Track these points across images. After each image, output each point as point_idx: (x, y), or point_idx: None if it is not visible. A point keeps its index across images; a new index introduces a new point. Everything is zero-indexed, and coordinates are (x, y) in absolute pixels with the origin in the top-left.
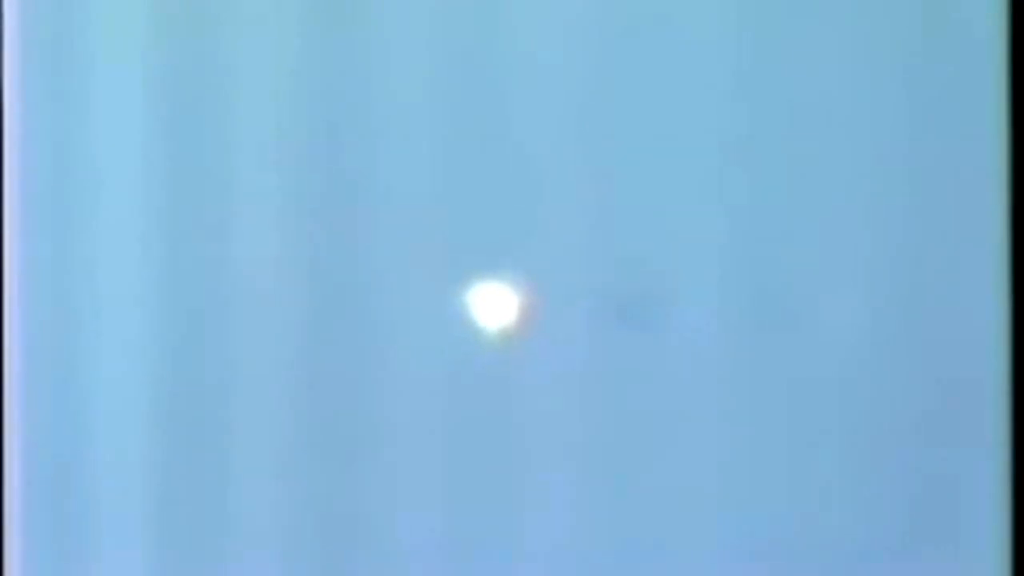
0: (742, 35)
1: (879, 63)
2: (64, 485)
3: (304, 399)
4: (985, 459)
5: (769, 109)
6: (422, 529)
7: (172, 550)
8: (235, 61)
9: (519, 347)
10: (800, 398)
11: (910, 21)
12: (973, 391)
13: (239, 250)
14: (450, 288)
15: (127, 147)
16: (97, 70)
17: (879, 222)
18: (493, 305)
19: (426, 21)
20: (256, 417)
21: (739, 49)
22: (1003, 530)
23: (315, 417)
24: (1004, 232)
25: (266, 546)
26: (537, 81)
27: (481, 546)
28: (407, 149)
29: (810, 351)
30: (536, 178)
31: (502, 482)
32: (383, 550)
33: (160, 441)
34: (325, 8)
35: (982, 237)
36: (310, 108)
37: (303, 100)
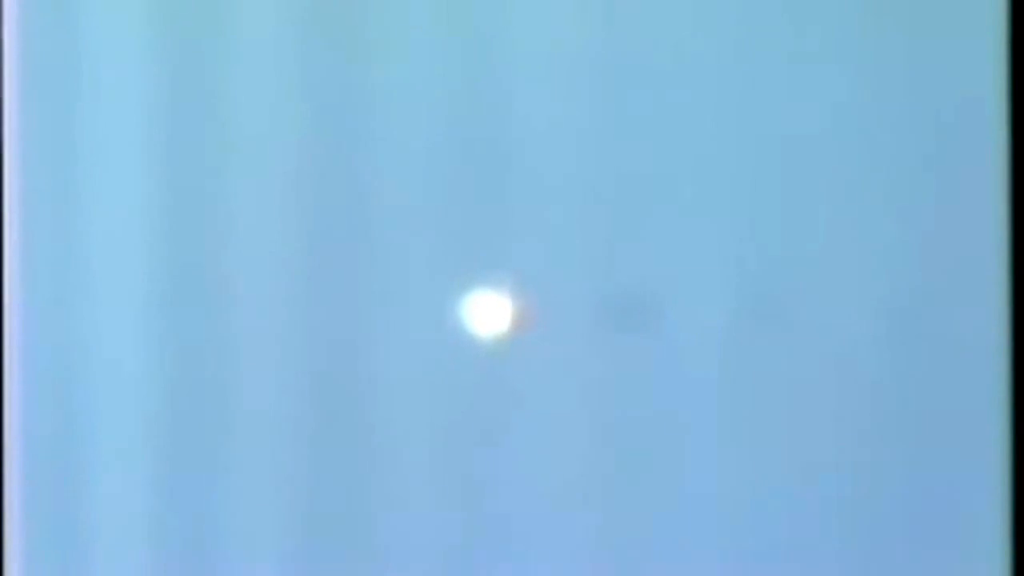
0: (742, 35)
1: (879, 63)
2: (64, 485)
3: (303, 399)
4: (985, 459)
5: (769, 110)
6: (419, 531)
7: (172, 550)
8: (235, 60)
9: (518, 350)
10: (800, 400)
11: (910, 21)
12: (973, 391)
13: (238, 250)
14: (448, 291)
15: (127, 146)
16: (97, 69)
17: (878, 223)
18: (491, 308)
19: (426, 21)
20: (255, 417)
21: (739, 49)
22: (1003, 530)
23: (314, 417)
24: (1004, 232)
25: (265, 546)
26: (536, 84)
27: (478, 547)
28: (405, 150)
29: (810, 352)
30: (534, 180)
31: (501, 484)
32: (382, 552)
33: (159, 442)
34: (325, 8)
35: (982, 237)
36: (309, 109)
37: (303, 100)
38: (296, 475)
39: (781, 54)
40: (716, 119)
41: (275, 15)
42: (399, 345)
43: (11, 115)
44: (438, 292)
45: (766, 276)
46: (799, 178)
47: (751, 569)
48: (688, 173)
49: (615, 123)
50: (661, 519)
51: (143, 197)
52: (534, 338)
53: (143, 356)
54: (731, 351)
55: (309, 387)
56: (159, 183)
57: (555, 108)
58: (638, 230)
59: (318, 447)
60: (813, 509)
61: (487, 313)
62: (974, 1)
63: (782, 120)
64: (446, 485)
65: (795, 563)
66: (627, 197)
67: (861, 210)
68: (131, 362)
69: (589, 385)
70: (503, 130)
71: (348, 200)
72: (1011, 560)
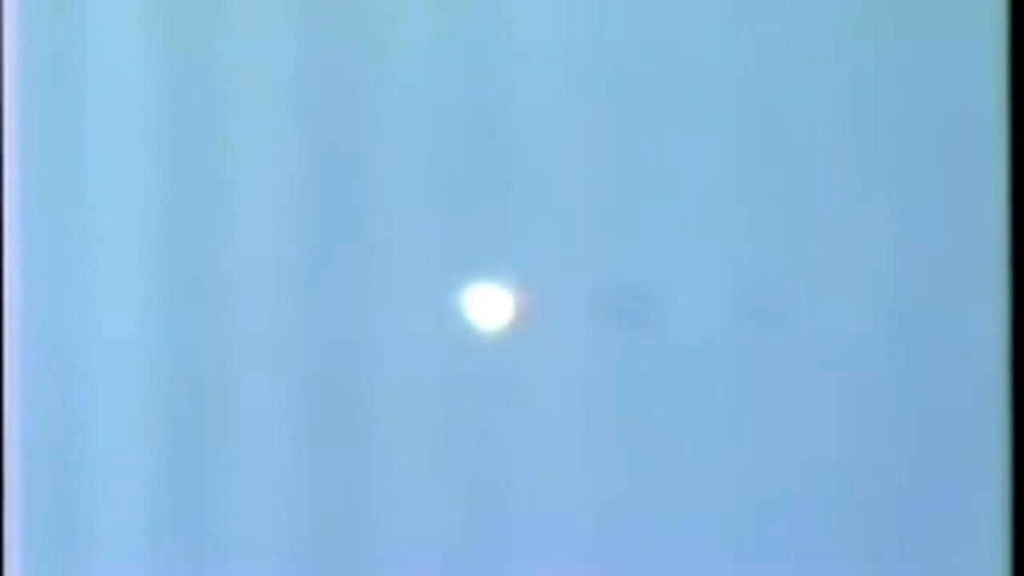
0: (743, 33)
1: (879, 64)
2: (64, 485)
3: (304, 400)
4: (985, 459)
5: (769, 111)
6: (419, 531)
7: (172, 550)
8: (234, 61)
9: (518, 349)
10: (800, 400)
11: (910, 21)
12: (973, 391)
13: (238, 251)
14: (449, 290)
15: (127, 146)
16: (97, 70)
17: (879, 223)
18: (492, 305)
19: (427, 22)
20: (255, 417)
21: (740, 48)
22: (1003, 530)
23: (314, 418)
24: (1004, 232)
25: (265, 545)
26: (538, 83)
27: (478, 547)
28: (405, 150)
29: (810, 352)
30: (535, 178)
31: (501, 483)
32: (382, 550)
33: (159, 442)
34: (325, 9)
35: (982, 237)
36: (310, 110)
37: (303, 101)
38: (296, 475)
39: (782, 54)
40: (716, 119)
41: (275, 16)
42: (399, 344)
43: (11, 115)
44: (439, 291)
45: (767, 277)
46: (800, 178)
47: (751, 569)
48: (689, 173)
49: (616, 123)
50: (661, 518)
51: (143, 197)
52: (534, 337)
53: (143, 356)
54: (732, 351)
55: (309, 387)
56: (159, 183)
57: (556, 107)
58: (639, 229)
59: (318, 447)
60: (813, 509)
61: (487, 312)
62: (974, 1)
63: (783, 120)
64: (446, 485)
65: (795, 563)
66: (628, 197)
67: (861, 210)
68: (131, 362)
69: (589, 384)
70: (503, 131)
71: (348, 200)
72: (1011, 560)
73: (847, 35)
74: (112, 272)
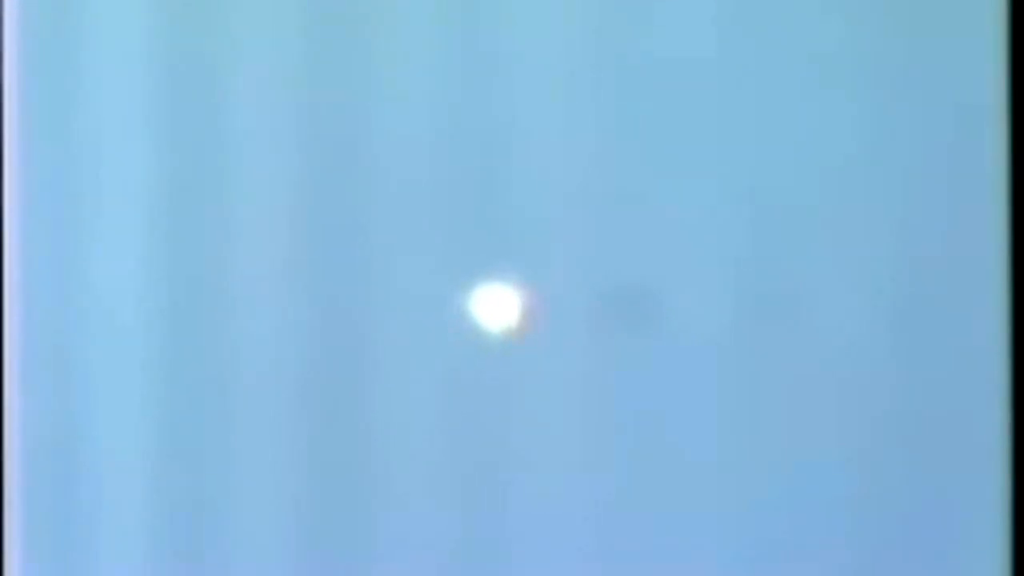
0: (742, 33)
1: (879, 65)
2: (64, 485)
3: (304, 401)
4: (985, 460)
5: (769, 111)
6: (418, 528)
7: (171, 549)
8: (235, 61)
9: (518, 347)
10: (800, 400)
11: (910, 22)
12: (973, 392)
13: (238, 251)
14: (448, 291)
15: (126, 147)
16: (97, 69)
17: (878, 225)
18: (493, 305)
19: (426, 21)
20: (255, 418)
21: (739, 48)
22: (1002, 532)
23: (315, 419)
24: (1004, 234)
25: (264, 546)
26: (538, 83)
27: (477, 545)
28: (407, 150)
29: (811, 353)
30: (536, 178)
31: (501, 484)
32: (382, 550)
33: (159, 442)
34: (325, 9)
35: (982, 239)
36: (311, 110)
37: (304, 101)
38: (296, 475)
39: (781, 53)
40: (717, 120)
41: (275, 16)
42: (399, 344)
43: (11, 114)
44: (438, 292)
45: (767, 277)
46: (799, 178)
47: (751, 569)
48: (689, 174)
49: (616, 123)
50: (662, 518)
51: (143, 197)
52: (534, 337)
53: (143, 355)
54: (732, 352)
55: (310, 387)
56: (160, 183)
57: (555, 107)
58: (640, 230)
59: (318, 447)
60: (814, 509)
61: (488, 312)
62: (974, 1)
63: (782, 120)
64: (446, 485)
65: (795, 563)
66: (629, 196)
67: (861, 210)
68: (131, 361)
69: (590, 384)
70: (503, 131)
71: (349, 200)
72: (1011, 560)
73: (847, 34)
74: (112, 271)
